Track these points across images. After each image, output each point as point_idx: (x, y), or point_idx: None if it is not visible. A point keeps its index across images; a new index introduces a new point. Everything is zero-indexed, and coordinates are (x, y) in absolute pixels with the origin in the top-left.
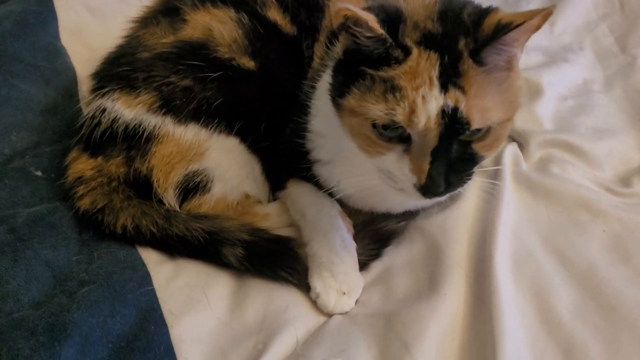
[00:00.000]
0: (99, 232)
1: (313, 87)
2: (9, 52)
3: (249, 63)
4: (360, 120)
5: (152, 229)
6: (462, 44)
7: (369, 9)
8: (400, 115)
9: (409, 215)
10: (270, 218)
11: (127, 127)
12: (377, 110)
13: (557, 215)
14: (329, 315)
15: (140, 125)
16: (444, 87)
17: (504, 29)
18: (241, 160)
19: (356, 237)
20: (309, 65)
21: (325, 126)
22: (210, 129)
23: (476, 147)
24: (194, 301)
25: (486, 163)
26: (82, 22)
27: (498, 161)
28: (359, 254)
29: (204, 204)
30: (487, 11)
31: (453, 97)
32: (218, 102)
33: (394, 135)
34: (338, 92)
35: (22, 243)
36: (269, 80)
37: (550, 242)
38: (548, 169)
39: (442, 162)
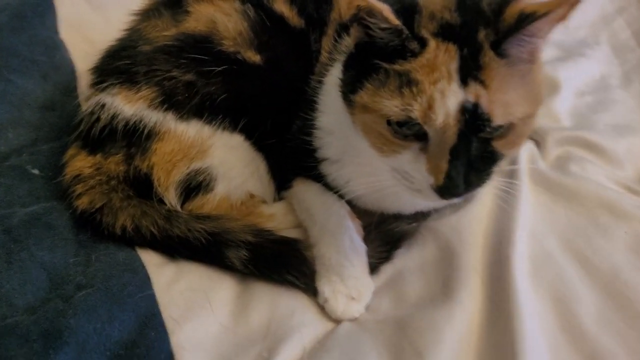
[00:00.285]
0: (97, 232)
1: (321, 82)
2: (5, 46)
3: (254, 57)
4: (374, 117)
5: (153, 229)
6: (482, 35)
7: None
8: (417, 111)
9: (421, 216)
10: (276, 218)
11: (127, 123)
12: (392, 106)
13: (577, 216)
14: (338, 321)
15: (140, 122)
16: (464, 81)
17: (527, 18)
18: (246, 158)
19: (366, 239)
20: (317, 59)
21: (333, 123)
22: (214, 125)
23: (497, 144)
24: (196, 306)
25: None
26: (82, 14)
27: (514, 160)
28: (368, 257)
29: (206, 203)
30: (508, 0)
31: (473, 92)
32: (222, 97)
33: (410, 132)
34: (349, 88)
35: (17, 244)
36: (275, 75)
37: (570, 244)
38: (566, 168)
39: (462, 161)
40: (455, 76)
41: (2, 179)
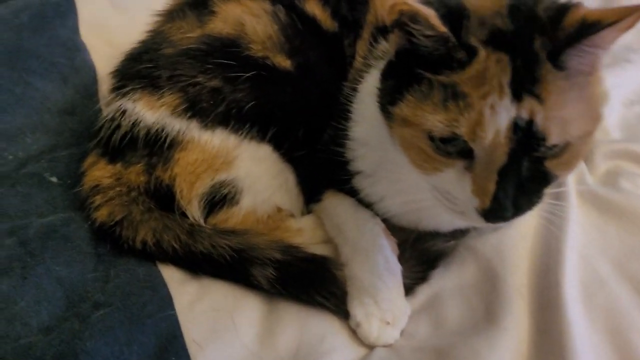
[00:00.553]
0: (116, 246)
1: (355, 90)
2: (25, 47)
3: (284, 62)
4: (415, 132)
5: (175, 245)
6: (538, 44)
7: (427, 3)
8: (463, 128)
9: (459, 234)
10: (304, 233)
11: (148, 131)
12: (435, 120)
13: (630, 237)
14: (371, 347)
15: (163, 130)
16: (517, 96)
17: (591, 27)
18: (274, 169)
19: (400, 258)
20: (350, 64)
21: (368, 134)
22: (241, 134)
23: (550, 164)
24: (220, 328)
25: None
26: (104, 15)
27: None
28: (403, 277)
29: (231, 217)
30: (567, 6)
31: (528, 108)
32: (250, 105)
33: (454, 149)
34: (388, 99)
35: (32, 258)
36: (307, 81)
37: (624, 268)
38: (617, 184)
39: (511, 182)
40: (508, 90)
41: (20, 187)
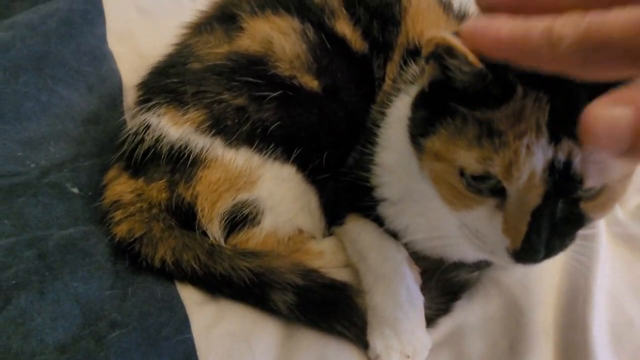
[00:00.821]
0: (135, 263)
1: (382, 114)
2: (53, 54)
3: (312, 83)
4: (446, 166)
5: (194, 265)
6: (578, 84)
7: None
8: (497, 167)
9: (483, 264)
10: (325, 257)
11: (172, 147)
12: (468, 157)
13: None
14: None
15: (186, 147)
16: (555, 137)
17: None
18: (297, 191)
19: (423, 288)
20: (379, 87)
21: (396, 160)
22: (265, 154)
23: (586, 206)
24: (237, 353)
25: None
26: (132, 24)
27: None
28: (425, 308)
29: (252, 238)
30: None
31: (566, 149)
32: (275, 125)
33: (486, 187)
34: (420, 130)
35: (51, 272)
36: (334, 103)
37: None
38: None
39: (544, 224)
40: (545, 130)
41: (41, 197)
